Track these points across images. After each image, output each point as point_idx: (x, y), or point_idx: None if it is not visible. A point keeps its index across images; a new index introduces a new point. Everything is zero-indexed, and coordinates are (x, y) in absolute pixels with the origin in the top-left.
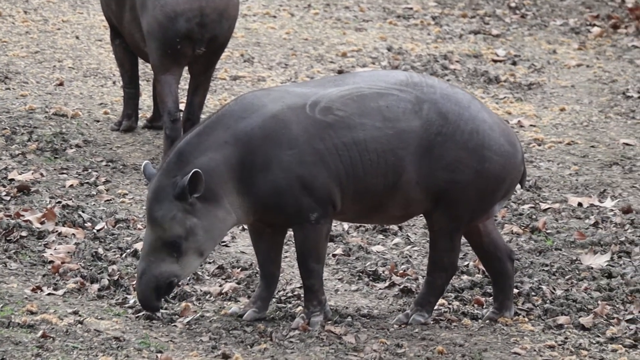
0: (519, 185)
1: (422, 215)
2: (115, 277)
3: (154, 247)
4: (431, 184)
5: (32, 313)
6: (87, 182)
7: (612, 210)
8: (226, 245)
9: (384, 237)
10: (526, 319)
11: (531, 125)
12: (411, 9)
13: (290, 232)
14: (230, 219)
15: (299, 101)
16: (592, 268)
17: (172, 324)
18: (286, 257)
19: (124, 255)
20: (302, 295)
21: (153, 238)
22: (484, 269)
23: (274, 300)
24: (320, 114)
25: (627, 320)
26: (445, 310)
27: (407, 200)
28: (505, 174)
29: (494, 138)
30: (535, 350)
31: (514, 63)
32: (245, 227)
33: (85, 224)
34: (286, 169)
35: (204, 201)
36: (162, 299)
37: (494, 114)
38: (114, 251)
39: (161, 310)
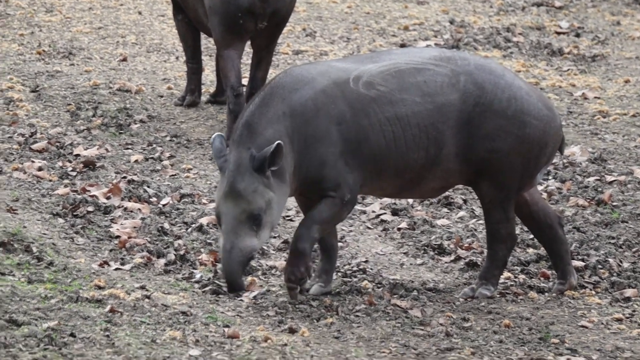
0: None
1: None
2: (182, 252)
3: (239, 220)
4: (471, 155)
5: (99, 288)
6: (152, 157)
7: None
8: (291, 220)
9: (448, 211)
10: (593, 292)
11: (595, 97)
12: None
13: (356, 207)
14: (288, 192)
15: (343, 75)
16: None
17: (239, 299)
18: (351, 231)
19: (189, 230)
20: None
21: (238, 211)
22: (538, 240)
23: (339, 274)
24: (364, 88)
25: None
26: (512, 283)
27: (447, 172)
28: (547, 137)
29: (532, 103)
30: (602, 324)
31: (578, 35)
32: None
33: (151, 199)
34: (335, 143)
35: (274, 175)
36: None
37: (527, 82)
38: (180, 226)
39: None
